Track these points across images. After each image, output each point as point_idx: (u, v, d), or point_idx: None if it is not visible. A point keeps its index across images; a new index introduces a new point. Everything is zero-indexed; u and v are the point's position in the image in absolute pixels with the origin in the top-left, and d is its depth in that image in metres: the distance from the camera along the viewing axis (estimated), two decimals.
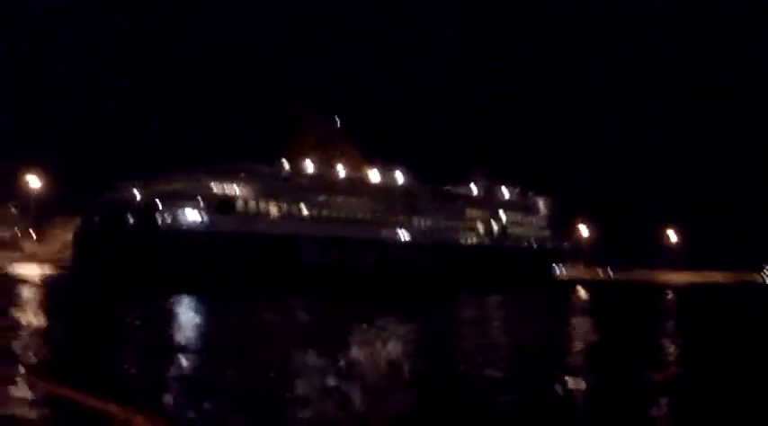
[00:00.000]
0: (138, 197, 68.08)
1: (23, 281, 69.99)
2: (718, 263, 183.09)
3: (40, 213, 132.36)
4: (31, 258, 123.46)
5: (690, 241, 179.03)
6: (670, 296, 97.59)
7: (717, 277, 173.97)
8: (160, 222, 64.96)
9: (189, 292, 53.72)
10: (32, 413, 12.75)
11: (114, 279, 60.21)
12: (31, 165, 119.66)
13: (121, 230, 65.52)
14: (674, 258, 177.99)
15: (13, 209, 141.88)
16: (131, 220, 65.89)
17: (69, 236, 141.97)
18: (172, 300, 48.24)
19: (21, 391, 13.40)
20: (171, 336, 28.34)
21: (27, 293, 52.35)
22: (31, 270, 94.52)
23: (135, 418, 2.35)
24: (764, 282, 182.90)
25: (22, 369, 16.77)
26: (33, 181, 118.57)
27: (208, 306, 46.91)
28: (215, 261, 64.75)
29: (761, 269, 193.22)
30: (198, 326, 33.46)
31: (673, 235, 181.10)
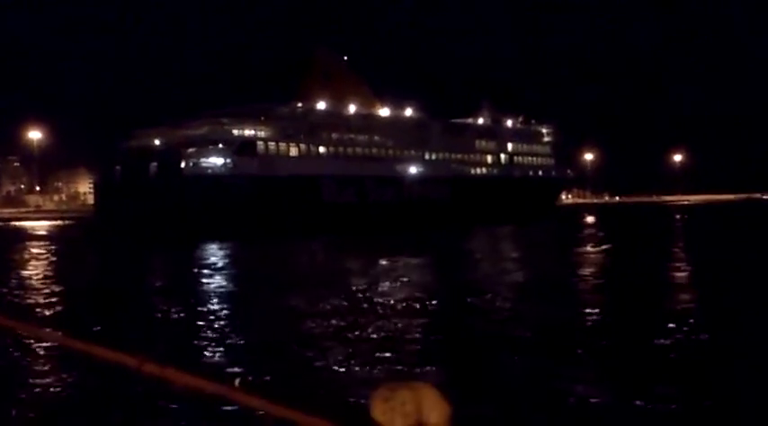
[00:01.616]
0: (159, 144, 67.65)
1: (30, 234, 70.09)
2: (726, 185, 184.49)
3: (44, 166, 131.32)
4: (36, 211, 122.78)
5: (697, 163, 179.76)
6: (679, 216, 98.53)
7: (725, 198, 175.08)
8: (183, 168, 64.67)
9: (214, 237, 53.55)
10: (42, 366, 12.86)
11: (139, 227, 60.26)
12: (34, 118, 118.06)
13: (144, 177, 65.20)
14: (681, 180, 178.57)
15: (16, 163, 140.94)
16: (154, 167, 65.56)
17: (74, 189, 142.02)
18: (197, 246, 48.19)
19: (31, 343, 13.67)
20: (196, 283, 28.14)
21: (36, 246, 51.99)
22: (36, 223, 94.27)
23: (146, 365, 2.40)
24: None
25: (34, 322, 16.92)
26: (35, 135, 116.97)
27: (234, 251, 46.67)
28: (239, 205, 64.67)
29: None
30: (224, 272, 33.23)
31: (679, 158, 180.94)
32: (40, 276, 30.64)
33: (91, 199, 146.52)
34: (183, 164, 64.87)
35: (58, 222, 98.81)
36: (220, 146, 66.69)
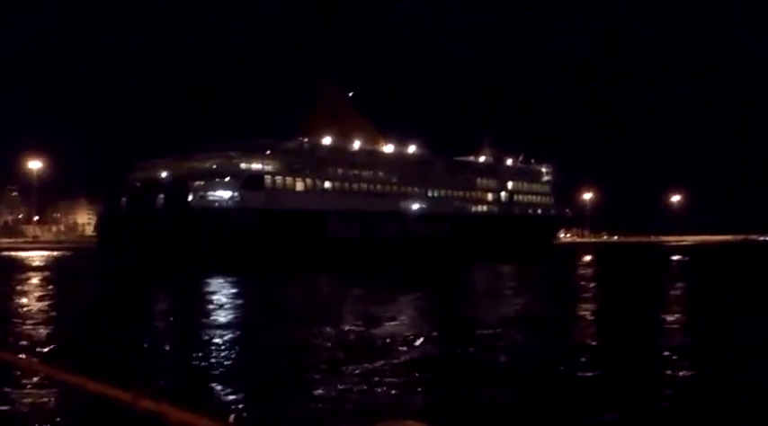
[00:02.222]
0: (165, 176, 67.69)
1: (28, 265, 69.60)
2: (723, 226, 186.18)
3: (42, 197, 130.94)
4: (34, 242, 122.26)
5: (695, 204, 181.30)
6: (676, 257, 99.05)
7: (722, 239, 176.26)
8: (191, 201, 64.66)
9: (221, 271, 53.18)
10: (36, 399, 12.36)
11: (145, 259, 60.02)
12: (33, 149, 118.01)
13: (151, 210, 65.11)
14: (679, 221, 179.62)
15: (14, 193, 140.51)
16: (161, 200, 65.52)
17: (73, 220, 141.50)
18: (204, 279, 47.82)
19: (26, 377, 12.96)
20: (201, 316, 27.83)
21: (33, 276, 51.58)
22: (33, 254, 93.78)
23: (141, 401, 2.38)
24: None
25: (26, 355, 16.50)
26: (35, 164, 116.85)
27: (239, 285, 46.26)
28: (246, 239, 64.54)
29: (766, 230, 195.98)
30: (229, 306, 33.16)
31: (678, 198, 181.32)
32: (36, 307, 30.25)
33: (89, 231, 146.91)
34: (190, 197, 64.84)
35: (56, 253, 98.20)
36: (227, 179, 66.75)
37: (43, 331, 22.72)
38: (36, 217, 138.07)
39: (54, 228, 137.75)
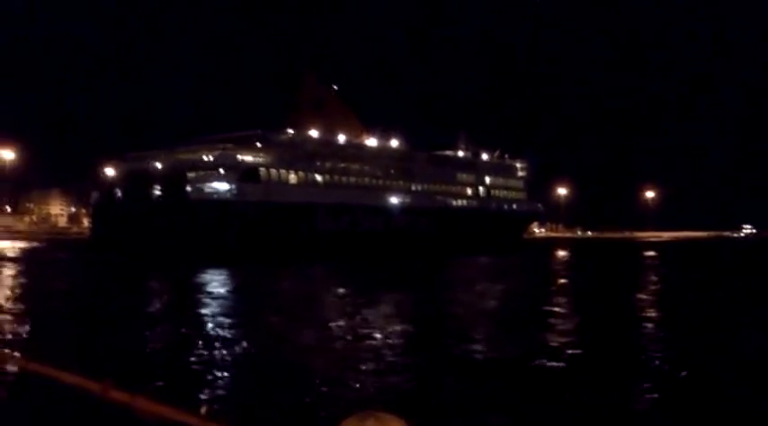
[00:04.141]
0: (160, 167, 67.76)
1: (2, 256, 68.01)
2: (697, 222, 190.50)
3: (15, 187, 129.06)
4: (6, 231, 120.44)
5: (669, 201, 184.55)
6: (650, 252, 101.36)
7: (696, 235, 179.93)
8: (189, 192, 64.92)
9: (216, 263, 53.10)
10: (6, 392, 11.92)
11: (143, 250, 60.19)
12: (5, 138, 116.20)
13: (147, 201, 65.25)
14: (653, 217, 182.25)
15: None
16: (156, 191, 65.65)
17: (46, 211, 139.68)
18: (198, 271, 47.35)
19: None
20: (198, 308, 27.57)
21: (8, 269, 49.13)
22: (7, 244, 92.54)
23: (111, 392, 2.42)
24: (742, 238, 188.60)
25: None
26: (8, 154, 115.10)
27: (232, 277, 46.07)
28: (243, 231, 65.12)
29: (738, 228, 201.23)
30: (226, 299, 33.02)
31: (651, 195, 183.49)
32: (14, 298, 29.64)
33: (62, 222, 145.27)
34: (188, 189, 64.95)
35: (36, 243, 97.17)
36: (222, 171, 67.02)
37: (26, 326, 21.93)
38: (9, 208, 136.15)
39: (26, 219, 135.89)
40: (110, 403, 2.37)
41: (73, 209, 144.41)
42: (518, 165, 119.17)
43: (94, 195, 71.96)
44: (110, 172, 72.33)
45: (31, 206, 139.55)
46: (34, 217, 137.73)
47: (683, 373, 15.29)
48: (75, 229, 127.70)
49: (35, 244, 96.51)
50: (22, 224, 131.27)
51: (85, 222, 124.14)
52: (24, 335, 19.78)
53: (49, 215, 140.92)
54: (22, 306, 26.66)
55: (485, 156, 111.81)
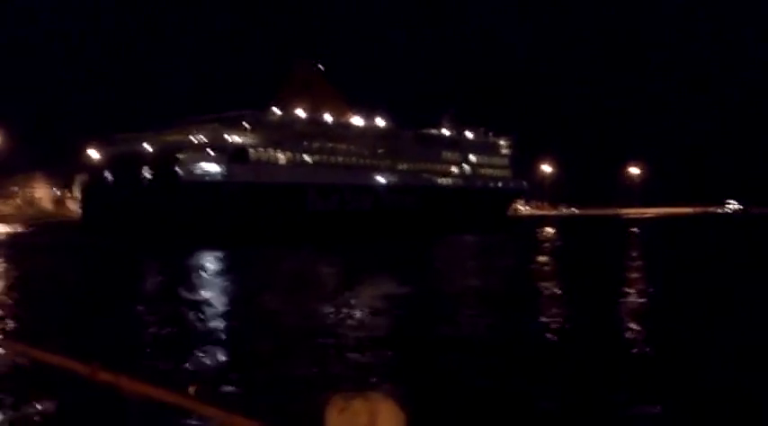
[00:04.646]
0: (150, 149, 67.81)
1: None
2: (683, 198, 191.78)
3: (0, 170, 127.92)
4: None
5: (654, 177, 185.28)
6: (635, 229, 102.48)
7: (682, 211, 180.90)
8: (180, 174, 65.15)
9: (208, 244, 53.49)
10: None
11: (135, 232, 60.42)
12: None
13: (137, 183, 65.38)
14: (638, 193, 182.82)
15: None
16: (148, 173, 65.75)
17: (30, 194, 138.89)
18: (191, 252, 47.91)
19: None
20: (189, 290, 27.61)
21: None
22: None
23: (98, 374, 2.44)
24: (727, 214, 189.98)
25: None
26: None
27: (225, 259, 46.33)
28: (233, 213, 65.36)
29: (722, 203, 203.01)
30: (217, 280, 33.12)
31: (637, 171, 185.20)
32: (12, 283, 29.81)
33: (47, 205, 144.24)
34: (179, 171, 65.04)
35: (24, 228, 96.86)
36: (212, 153, 67.15)
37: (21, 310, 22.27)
38: None
39: (11, 202, 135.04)
40: (98, 384, 2.44)
41: (58, 192, 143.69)
42: (502, 143, 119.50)
43: (83, 178, 71.95)
44: (96, 154, 72.34)
45: (16, 189, 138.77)
46: (19, 201, 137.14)
47: (663, 349, 15.63)
48: (61, 212, 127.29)
49: (24, 228, 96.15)
50: (8, 207, 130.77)
51: (70, 205, 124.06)
52: (15, 319, 19.87)
53: (33, 198, 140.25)
54: (15, 292, 26.72)
55: (469, 134, 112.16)
